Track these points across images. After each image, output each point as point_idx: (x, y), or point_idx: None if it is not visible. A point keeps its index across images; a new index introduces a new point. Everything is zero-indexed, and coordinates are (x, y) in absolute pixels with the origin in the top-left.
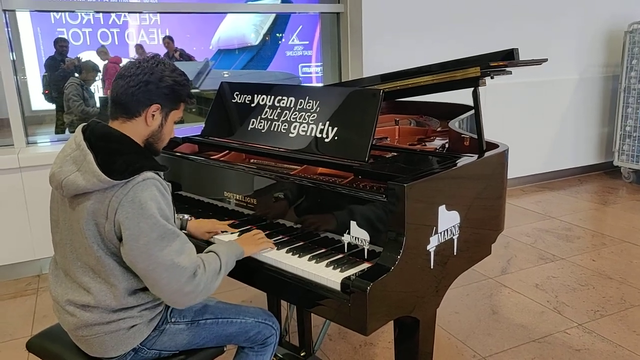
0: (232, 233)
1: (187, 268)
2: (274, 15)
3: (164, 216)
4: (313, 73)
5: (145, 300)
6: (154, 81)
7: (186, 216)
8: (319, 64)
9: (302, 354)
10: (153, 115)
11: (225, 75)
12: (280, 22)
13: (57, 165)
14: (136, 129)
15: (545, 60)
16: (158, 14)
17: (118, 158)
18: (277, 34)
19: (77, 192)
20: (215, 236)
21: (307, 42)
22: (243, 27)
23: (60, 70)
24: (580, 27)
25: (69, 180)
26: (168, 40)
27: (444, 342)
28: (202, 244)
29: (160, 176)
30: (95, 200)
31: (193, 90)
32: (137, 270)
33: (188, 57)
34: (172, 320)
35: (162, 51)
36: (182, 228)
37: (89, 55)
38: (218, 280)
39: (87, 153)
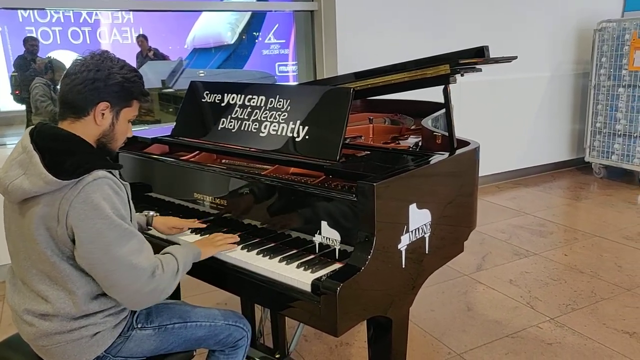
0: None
1: (146, 268)
2: (249, 13)
3: (120, 215)
4: (290, 72)
5: (109, 305)
6: (101, 78)
7: (151, 212)
8: (296, 62)
9: (277, 356)
10: (102, 114)
11: (201, 75)
12: (256, 21)
13: (3, 170)
14: (86, 129)
15: (515, 57)
16: (131, 12)
17: (67, 158)
18: (254, 33)
19: (24, 196)
20: (180, 236)
21: (283, 41)
22: (219, 26)
23: (31, 70)
24: (551, 25)
25: (15, 185)
26: (142, 39)
27: (420, 339)
28: (164, 244)
29: (114, 175)
30: (45, 204)
31: (167, 90)
32: (95, 273)
33: (162, 56)
34: (139, 326)
35: (135, 50)
36: (147, 224)
37: (60, 55)
38: (176, 281)
39: (34, 155)
